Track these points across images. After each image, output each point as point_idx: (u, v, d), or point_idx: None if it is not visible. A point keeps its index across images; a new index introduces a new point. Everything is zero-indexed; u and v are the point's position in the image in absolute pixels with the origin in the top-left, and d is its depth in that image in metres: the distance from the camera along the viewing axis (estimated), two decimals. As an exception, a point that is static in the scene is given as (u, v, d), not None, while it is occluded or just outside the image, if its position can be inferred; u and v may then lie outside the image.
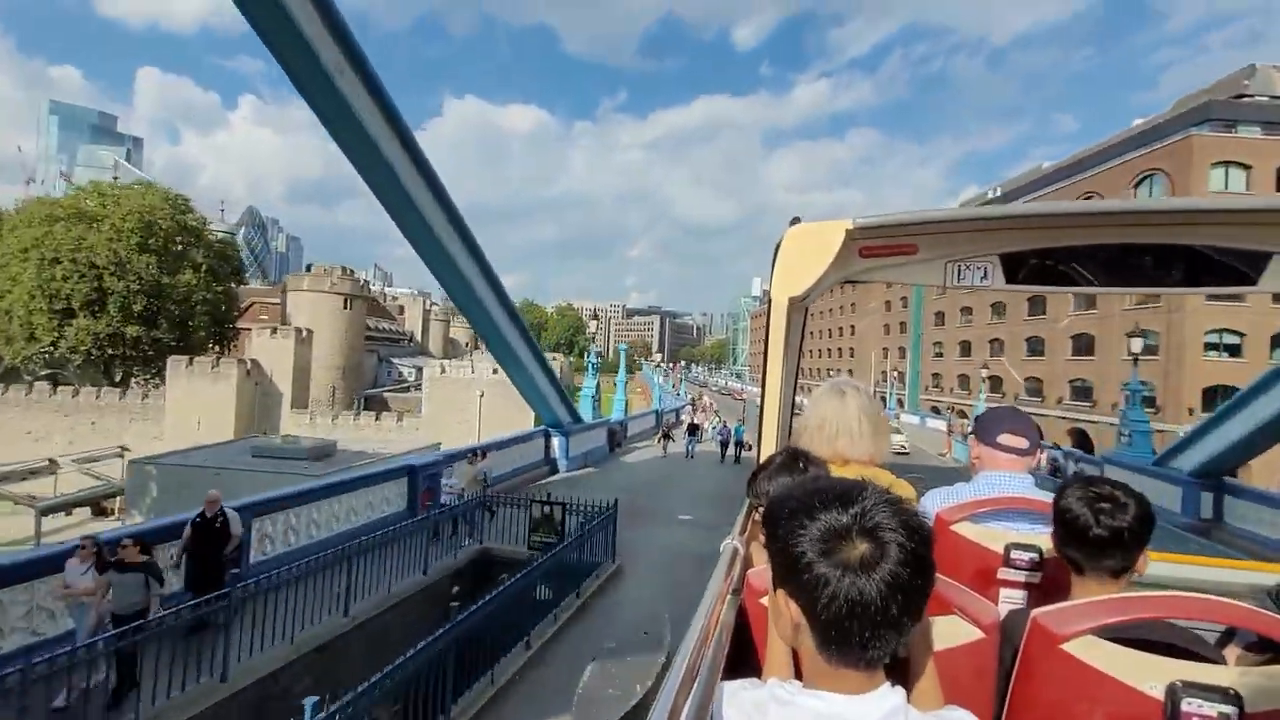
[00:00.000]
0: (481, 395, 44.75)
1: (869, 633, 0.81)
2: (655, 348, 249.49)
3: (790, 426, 2.77)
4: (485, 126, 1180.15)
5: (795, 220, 2.58)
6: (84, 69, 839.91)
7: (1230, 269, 2.19)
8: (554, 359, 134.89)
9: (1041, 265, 2.44)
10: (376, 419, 45.52)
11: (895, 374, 69.95)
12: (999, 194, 58.65)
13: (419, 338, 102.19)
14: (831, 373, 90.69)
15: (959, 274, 2.53)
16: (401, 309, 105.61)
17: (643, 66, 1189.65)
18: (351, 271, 64.48)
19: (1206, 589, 1.53)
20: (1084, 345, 41.93)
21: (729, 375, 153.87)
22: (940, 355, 59.32)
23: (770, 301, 2.58)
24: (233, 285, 57.66)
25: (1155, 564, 1.57)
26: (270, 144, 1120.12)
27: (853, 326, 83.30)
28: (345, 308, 58.88)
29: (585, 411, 24.70)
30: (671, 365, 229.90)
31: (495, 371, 45.47)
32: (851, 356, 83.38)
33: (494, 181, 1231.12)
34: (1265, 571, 2.44)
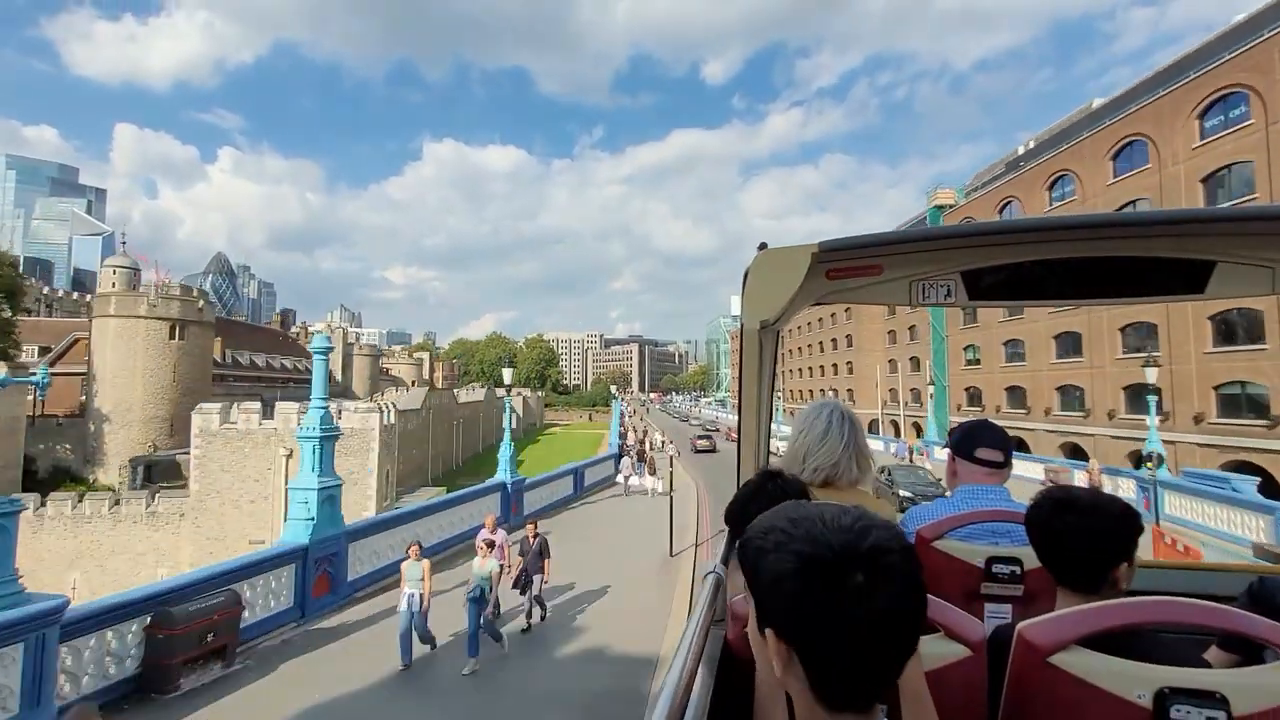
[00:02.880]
0: (289, 456, 29.35)
1: (864, 667, 0.75)
2: (635, 378, 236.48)
3: (766, 450, 2.80)
4: (465, 167, 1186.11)
5: (763, 245, 2.51)
6: (60, 128, 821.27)
7: (1179, 279, 2.21)
8: (518, 394, 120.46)
9: (1000, 281, 2.41)
10: (152, 499, 29.94)
11: (910, 391, 55.04)
12: (1031, 146, 44.82)
13: (339, 375, 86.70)
14: (823, 393, 77.39)
15: (923, 293, 2.50)
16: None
17: (617, 103, 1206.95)
18: (202, 292, 49.35)
19: (1185, 594, 1.43)
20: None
21: (711, 404, 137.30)
22: (977, 362, 44.04)
23: (742, 327, 2.55)
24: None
25: (1143, 571, 1.56)
26: (250, 194, 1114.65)
27: (849, 337, 68.69)
28: (173, 337, 43.58)
29: (503, 474, 18.32)
30: (653, 396, 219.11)
31: (342, 414, 30.05)
32: (850, 373, 68.52)
33: (476, 221, 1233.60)
34: (1251, 572, 2.50)
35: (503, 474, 17.81)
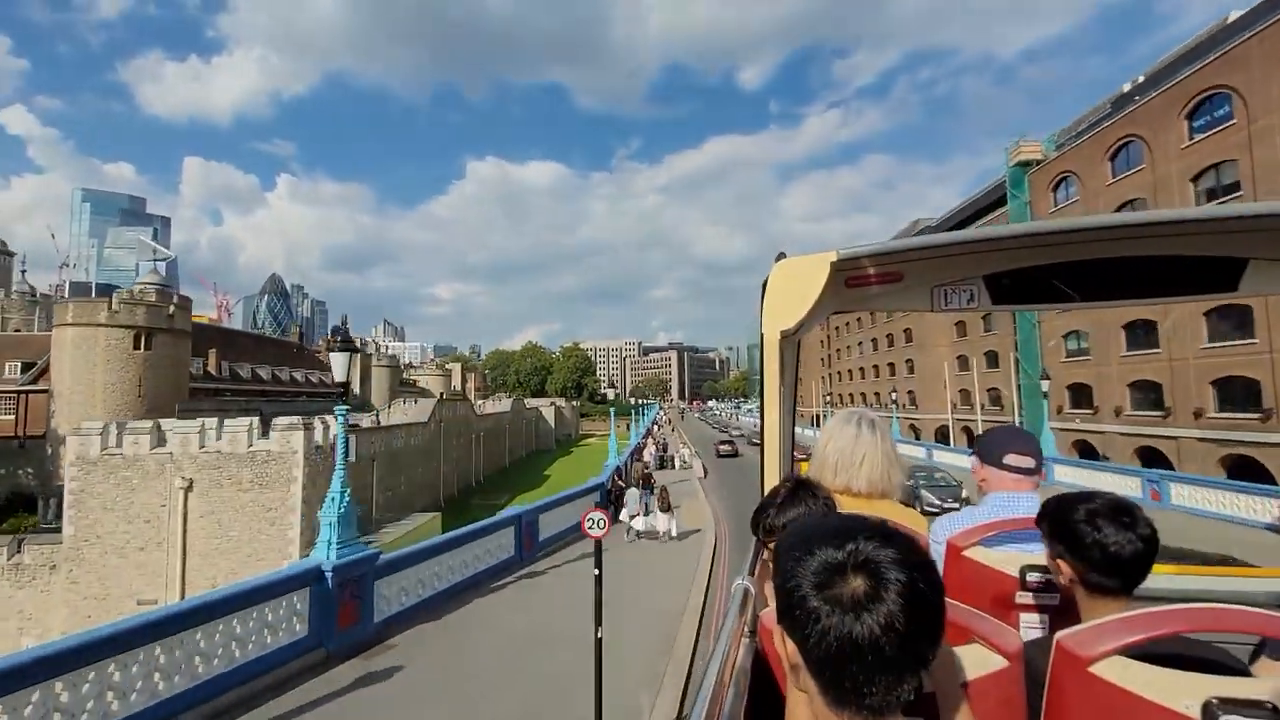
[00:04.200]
0: (188, 488, 23.78)
1: (863, 676, 0.75)
2: (674, 385, 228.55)
3: (791, 459, 2.77)
4: (506, 184, 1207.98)
5: (781, 255, 2.53)
6: (136, 163, 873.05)
7: (1211, 277, 2.18)
8: (552, 404, 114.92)
9: (1025, 284, 2.40)
10: (17, 548, 23.75)
11: (987, 392, 46.11)
12: (1140, 81, 35.90)
13: (357, 388, 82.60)
14: (875, 397, 68.74)
15: (945, 298, 2.52)
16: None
17: (653, 114, 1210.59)
18: (174, 296, 44.96)
19: (1221, 600, 1.44)
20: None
21: (753, 411, 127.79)
22: (1084, 353, 34.88)
23: (762, 338, 2.54)
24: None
25: (1154, 577, 1.55)
26: (305, 217, 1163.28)
27: (908, 331, 59.82)
28: (139, 346, 39.02)
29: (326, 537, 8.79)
30: (692, 403, 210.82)
31: (263, 433, 24.10)
32: (910, 372, 59.59)
33: (518, 235, 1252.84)
34: (1271, 577, 2.55)
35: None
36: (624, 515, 17.94)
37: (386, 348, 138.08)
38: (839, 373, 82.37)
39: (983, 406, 45.64)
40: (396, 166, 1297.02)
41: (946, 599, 0.84)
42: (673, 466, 36.22)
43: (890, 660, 0.74)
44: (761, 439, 2.69)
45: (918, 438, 53.38)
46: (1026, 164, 37.97)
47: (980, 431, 44.06)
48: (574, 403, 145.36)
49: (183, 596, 21.41)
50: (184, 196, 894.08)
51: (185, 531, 22.29)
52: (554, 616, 10.02)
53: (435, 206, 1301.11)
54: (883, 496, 2.05)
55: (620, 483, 18.20)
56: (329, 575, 7.54)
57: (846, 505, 1.87)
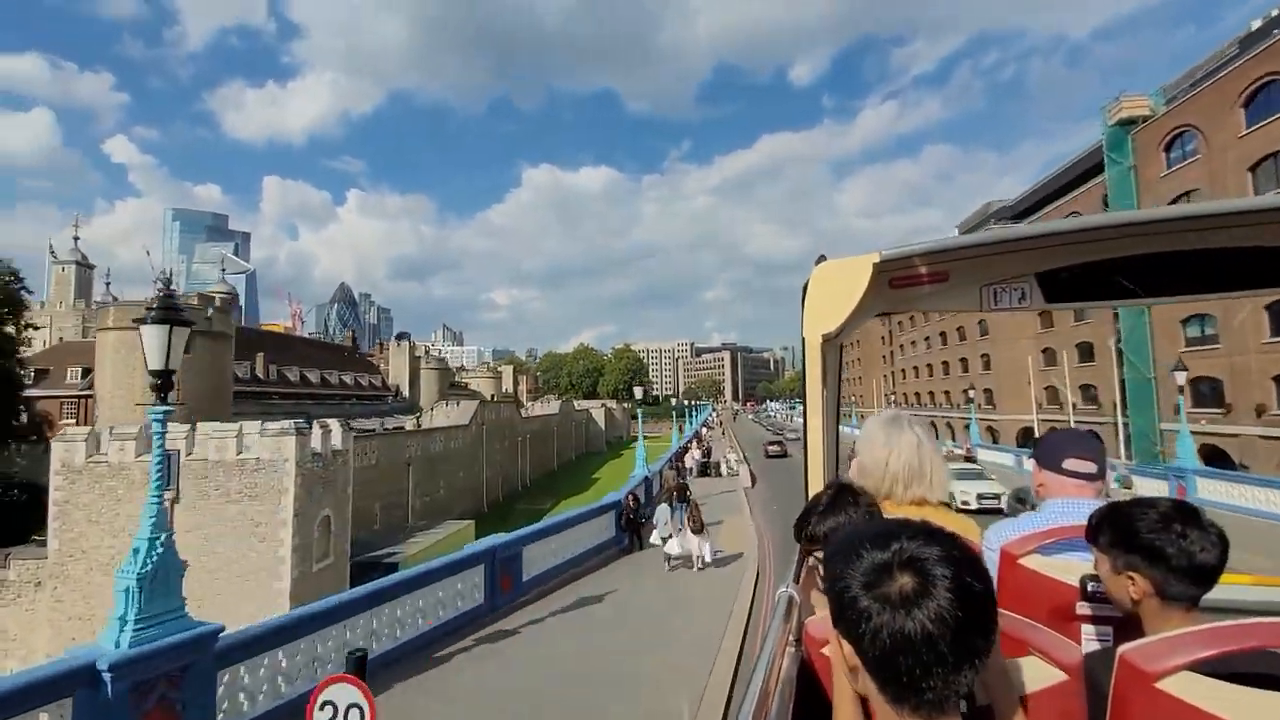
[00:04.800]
0: (174, 499, 21.48)
1: (920, 670, 0.77)
2: (728, 386, 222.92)
3: (835, 463, 2.76)
4: (560, 190, 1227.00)
5: (821, 258, 2.50)
6: (221, 184, 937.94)
7: (1278, 270, 2.07)
8: (603, 406, 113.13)
9: (1081, 281, 2.33)
10: (3, 561, 22.47)
11: (1080, 390, 40.43)
12: (1276, 14, 30.08)
13: (405, 390, 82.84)
14: (945, 396, 62.89)
15: (995, 298, 2.44)
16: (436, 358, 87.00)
17: (704, 115, 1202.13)
18: (213, 299, 44.97)
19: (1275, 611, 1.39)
20: None
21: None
22: (1210, 341, 28.97)
23: (803, 341, 2.50)
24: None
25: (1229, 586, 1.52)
26: (372, 230, 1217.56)
27: (982, 323, 54.07)
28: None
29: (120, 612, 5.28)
30: (746, 404, 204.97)
31: (244, 436, 22.40)
32: (986, 369, 53.88)
33: (572, 240, 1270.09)
34: None
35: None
36: (655, 537, 14.94)
37: (439, 350, 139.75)
38: (902, 370, 76.45)
39: (1075, 406, 40.03)
40: (455, 177, 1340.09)
41: (1002, 610, 0.87)
42: (717, 474, 32.73)
43: (944, 654, 0.75)
44: (804, 445, 2.64)
45: (995, 441, 47.83)
46: (1130, 122, 32.57)
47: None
48: (625, 404, 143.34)
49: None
50: (264, 214, 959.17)
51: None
52: (532, 695, 7.14)
53: (492, 215, 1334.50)
54: (925, 501, 2.02)
55: (634, 504, 15.16)
56: (108, 678, 4.72)
57: (891, 511, 1.87)
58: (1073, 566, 1.71)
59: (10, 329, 38.61)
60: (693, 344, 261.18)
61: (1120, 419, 34.16)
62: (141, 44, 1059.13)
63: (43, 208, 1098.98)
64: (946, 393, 62.48)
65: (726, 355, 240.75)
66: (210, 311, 41.78)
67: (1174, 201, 29.94)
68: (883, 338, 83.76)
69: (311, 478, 22.31)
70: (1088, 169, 40.46)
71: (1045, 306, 2.45)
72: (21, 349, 41.25)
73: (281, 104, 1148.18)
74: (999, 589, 1.76)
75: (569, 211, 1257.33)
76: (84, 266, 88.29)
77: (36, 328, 42.84)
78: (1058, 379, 42.13)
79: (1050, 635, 1.22)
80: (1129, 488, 19.48)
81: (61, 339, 65.72)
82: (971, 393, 43.94)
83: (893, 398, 75.15)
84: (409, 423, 57.55)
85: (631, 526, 14.80)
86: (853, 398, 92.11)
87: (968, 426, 48.68)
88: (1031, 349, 46.27)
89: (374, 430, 45.41)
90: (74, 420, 46.37)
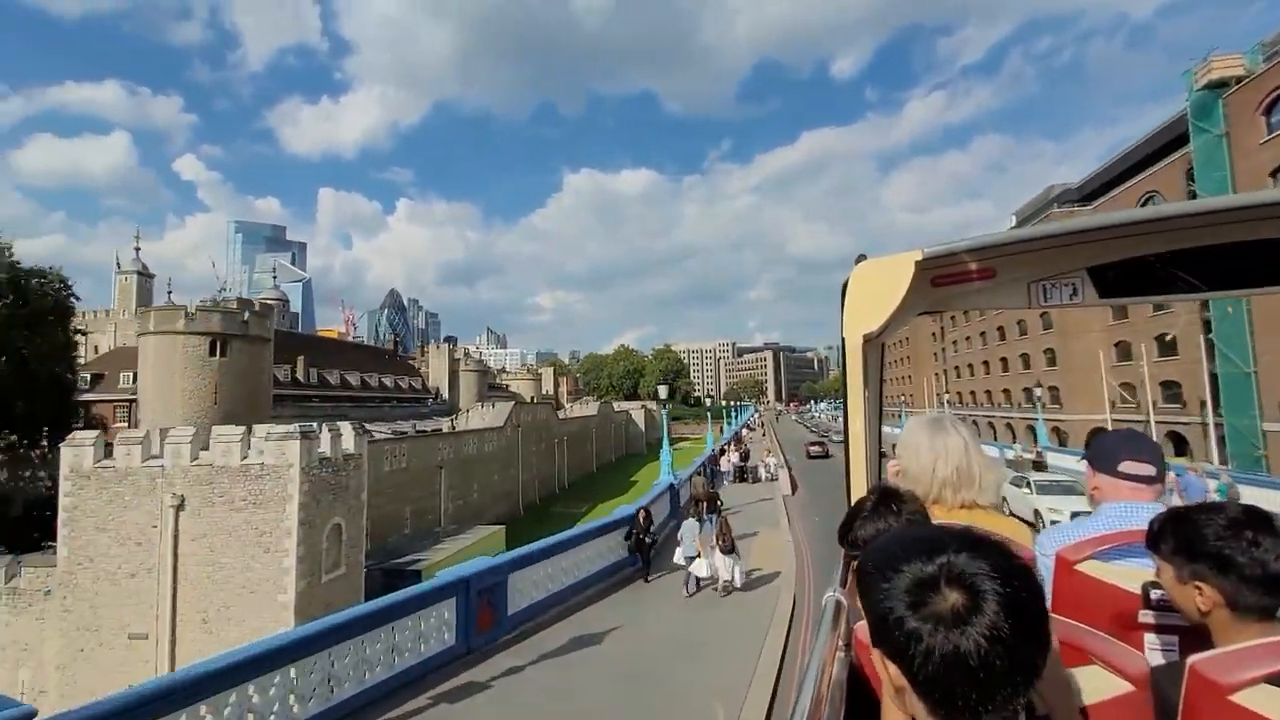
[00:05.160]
0: (179, 506, 20.99)
1: (975, 693, 0.73)
2: (770, 386, 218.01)
3: (879, 467, 2.68)
4: (601, 194, 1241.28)
5: (861, 257, 2.46)
6: (280, 197, 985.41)
7: None
8: (643, 407, 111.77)
9: (1137, 275, 2.23)
10: (16, 568, 22.19)
11: (1159, 387, 36.49)
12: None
13: (445, 392, 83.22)
14: (1004, 395, 58.62)
15: (1044, 294, 2.38)
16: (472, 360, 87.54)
17: (744, 113, 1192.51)
18: (251, 303, 45.54)
19: None
20: None
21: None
22: None
23: (843, 342, 2.48)
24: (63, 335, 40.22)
25: None
26: (421, 237, 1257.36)
27: (1044, 316, 49.97)
28: (214, 353, 39.29)
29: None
30: (789, 405, 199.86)
31: (250, 442, 21.66)
32: (1051, 364, 49.84)
33: (613, 242, 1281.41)
34: None
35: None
36: (679, 555, 13.18)
37: (480, 352, 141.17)
38: (955, 368, 72.16)
39: (1155, 404, 36.19)
40: (499, 183, 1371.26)
41: (1060, 618, 0.81)
42: (754, 479, 30.56)
43: (1001, 673, 0.71)
44: (846, 448, 2.60)
45: (1063, 444, 43.94)
46: (1220, 85, 28.91)
47: (1155, 435, 34.84)
48: (664, 405, 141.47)
49: (173, 632, 19.16)
50: (320, 224, 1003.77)
51: (176, 556, 20.04)
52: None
53: (535, 220, 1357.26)
54: (975, 505, 1.96)
55: (646, 520, 13.32)
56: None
57: (942, 517, 1.84)
58: (1133, 573, 1.65)
59: (61, 336, 39.66)
60: (734, 344, 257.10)
61: (1211, 418, 30.48)
62: (208, 67, 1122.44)
63: (122, 224, 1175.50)
64: (1006, 391, 58.34)
65: (769, 355, 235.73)
66: (247, 315, 42.09)
67: (1276, 172, 26.38)
68: (933, 334, 79.52)
69: (319, 484, 21.38)
70: (1166, 143, 36.62)
71: (1098, 302, 2.34)
72: (75, 355, 42.39)
73: (335, 118, 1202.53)
74: (1055, 596, 1.74)
75: (610, 214, 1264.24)
76: (144, 276, 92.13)
77: (85, 333, 43.99)
78: (1132, 375, 38.29)
79: (1114, 644, 1.20)
80: (1235, 499, 16.60)
81: (124, 345, 68.49)
82: (1038, 390, 40.25)
83: (946, 397, 70.96)
84: (446, 425, 57.25)
85: (640, 548, 13.03)
86: (901, 398, 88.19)
87: (1032, 428, 44.82)
88: (1102, 342, 42.36)
89: (405, 433, 45.06)
90: (125, 424, 47.75)
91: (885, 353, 2.91)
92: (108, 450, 21.96)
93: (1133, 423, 37.93)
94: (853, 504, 1.83)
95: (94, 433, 22.99)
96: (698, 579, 12.56)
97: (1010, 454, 33.50)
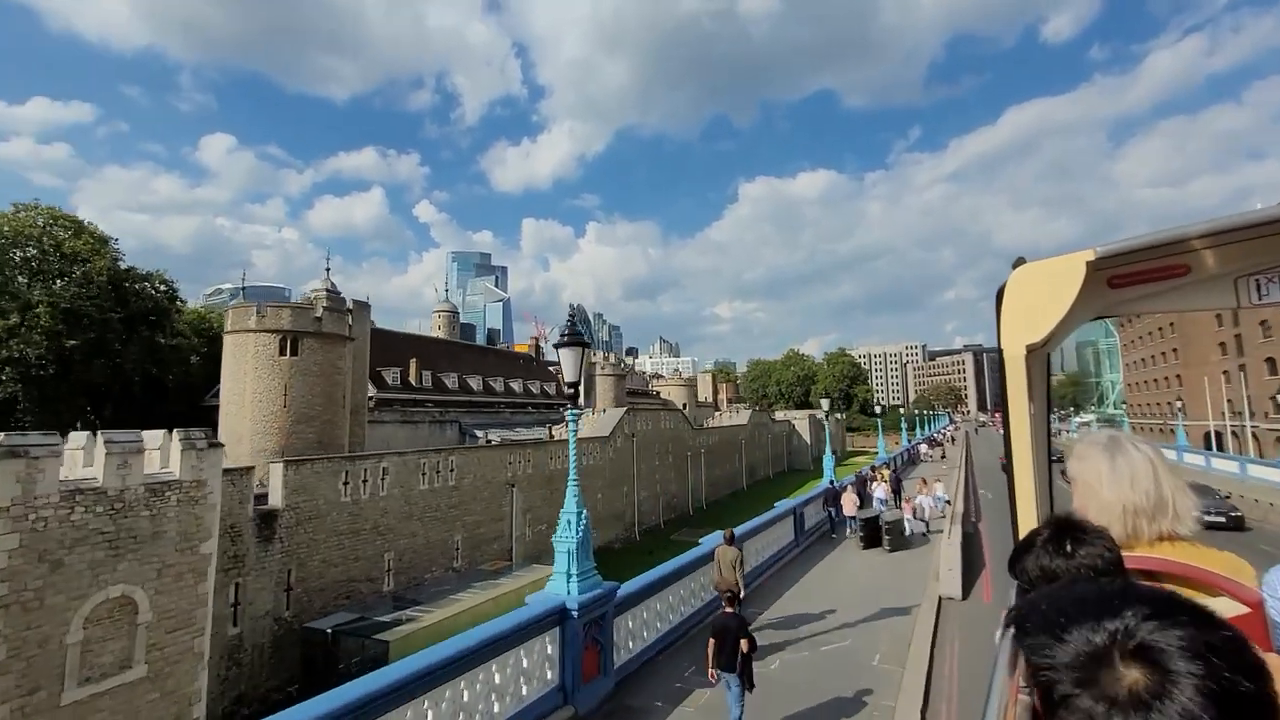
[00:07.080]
0: None
1: None
2: (971, 394, 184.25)
3: (1049, 494, 2.39)
4: (777, 200, 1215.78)
5: (1020, 261, 2.22)
6: (492, 229, 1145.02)
7: None
8: (809, 416, 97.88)
9: None
10: None
11: None
12: None
13: (582, 398, 78.12)
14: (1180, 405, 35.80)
15: (1259, 290, 2.00)
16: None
17: (933, 98, 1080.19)
18: (342, 299, 43.10)
19: None
20: None
21: (1093, 425, 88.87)
22: None
23: (1001, 354, 2.21)
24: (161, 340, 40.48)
25: None
26: (608, 256, 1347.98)
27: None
28: (283, 353, 36.64)
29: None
30: (993, 415, 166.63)
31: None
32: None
33: (791, 249, 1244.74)
34: None
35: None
36: None
37: (633, 361, 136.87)
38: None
39: None
40: (676, 200, 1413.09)
41: (1186, 562, 0.75)
42: (895, 542, 17.52)
43: None
44: (1009, 474, 2.31)
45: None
46: None
47: None
48: (839, 415, 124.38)
49: None
50: (523, 250, 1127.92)
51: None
52: None
53: (712, 232, 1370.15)
54: (1173, 537, 1.64)
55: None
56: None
57: (1139, 551, 1.59)
58: None
59: (159, 338, 40.02)
60: (924, 346, 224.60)
61: None
62: (436, 126, 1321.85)
63: (378, 263, 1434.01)
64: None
65: (968, 358, 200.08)
66: (320, 312, 39.03)
67: None
68: (1218, 316, 55.84)
69: (65, 534, 12.87)
70: None
71: None
72: (181, 357, 43.01)
73: (533, 155, 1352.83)
74: None
75: (787, 220, 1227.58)
76: (333, 294, 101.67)
77: (183, 335, 44.83)
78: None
79: (1235, 582, 1.31)
80: None
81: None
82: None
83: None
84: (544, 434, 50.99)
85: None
86: (1153, 406, 64.50)
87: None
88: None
89: (509, 440, 39.00)
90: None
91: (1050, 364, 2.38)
92: None
93: None
94: (1022, 539, 1.59)
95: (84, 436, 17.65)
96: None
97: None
